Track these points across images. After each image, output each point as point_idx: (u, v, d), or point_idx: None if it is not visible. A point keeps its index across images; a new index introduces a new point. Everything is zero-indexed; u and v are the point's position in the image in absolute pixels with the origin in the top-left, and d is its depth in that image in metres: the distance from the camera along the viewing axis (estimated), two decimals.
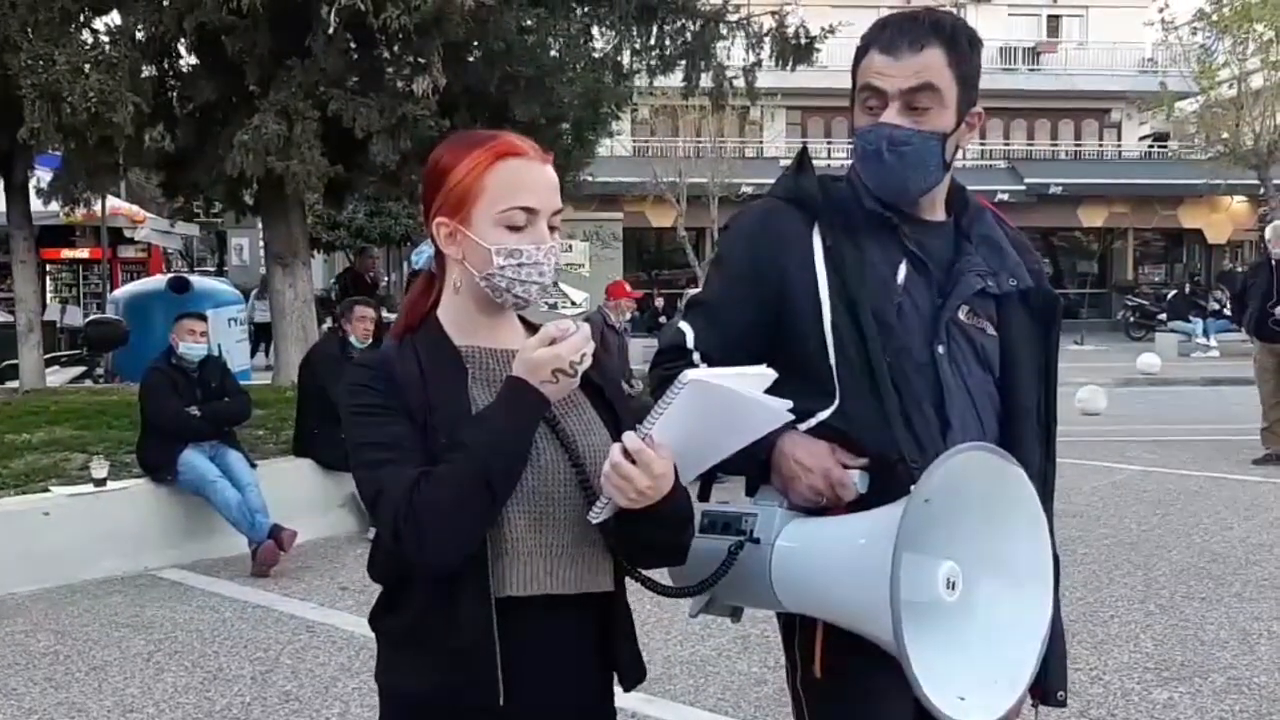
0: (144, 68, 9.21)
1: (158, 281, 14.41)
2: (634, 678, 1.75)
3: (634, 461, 1.54)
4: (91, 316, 15.42)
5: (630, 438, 1.55)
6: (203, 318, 6.85)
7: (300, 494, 7.18)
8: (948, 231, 2.00)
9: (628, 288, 10.85)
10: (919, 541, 1.52)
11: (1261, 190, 27.08)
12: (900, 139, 1.86)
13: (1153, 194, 32.66)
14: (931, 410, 1.86)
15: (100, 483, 6.41)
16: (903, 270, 1.92)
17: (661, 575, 1.82)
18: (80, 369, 14.06)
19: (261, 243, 31.80)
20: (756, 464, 1.84)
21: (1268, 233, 10.03)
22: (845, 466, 1.80)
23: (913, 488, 1.57)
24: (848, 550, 1.64)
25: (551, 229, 1.69)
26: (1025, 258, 2.06)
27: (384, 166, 9.42)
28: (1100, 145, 34.59)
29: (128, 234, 18.35)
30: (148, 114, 9.08)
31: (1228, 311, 24.26)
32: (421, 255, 1.95)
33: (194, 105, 9.85)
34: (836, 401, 1.82)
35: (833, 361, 1.84)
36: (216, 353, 7.38)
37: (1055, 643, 1.79)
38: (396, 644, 1.71)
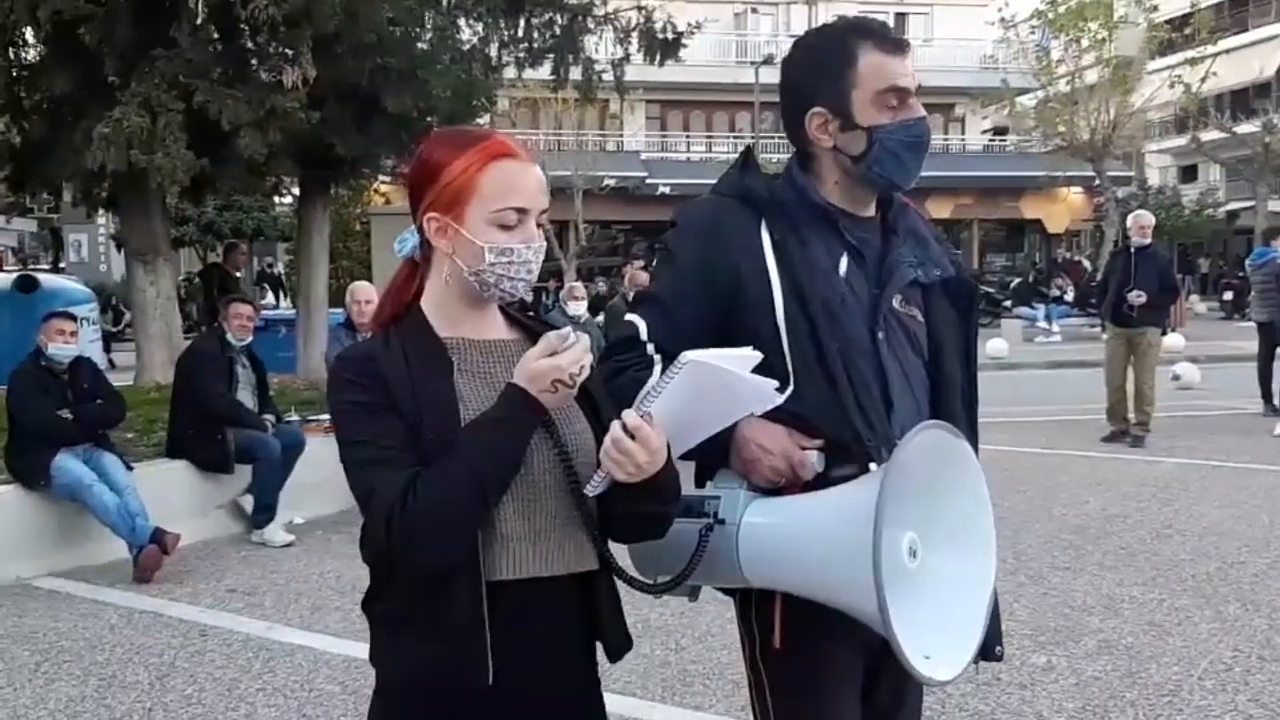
0: None
1: (2, 281, 13.73)
2: (620, 650, 1.83)
3: (633, 438, 1.62)
4: None
5: (630, 415, 1.63)
6: (72, 318, 6.59)
7: (177, 496, 6.99)
8: (876, 226, 2.13)
9: None
10: (887, 514, 1.64)
11: (1096, 181, 28.54)
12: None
13: (996, 186, 34.08)
14: (877, 392, 1.99)
15: None
16: (844, 263, 2.04)
17: (627, 564, 1.90)
18: None
19: (101, 238, 30.41)
20: (716, 450, 1.93)
21: (1129, 221, 10.58)
22: (803, 448, 1.91)
23: (884, 465, 1.69)
24: (829, 525, 1.75)
25: (539, 226, 1.76)
26: (945, 249, 2.21)
27: (251, 160, 9.21)
28: (945, 139, 35.88)
29: None
30: None
31: (1068, 298, 25.53)
32: (405, 244, 1.96)
33: (45, 97, 9.47)
34: (791, 388, 1.93)
35: (786, 351, 1.94)
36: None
37: (993, 602, 1.94)
38: (389, 629, 1.75)
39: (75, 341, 6.50)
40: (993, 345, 19.20)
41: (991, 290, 29.25)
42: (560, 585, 1.73)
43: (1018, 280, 29.89)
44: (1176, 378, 14.29)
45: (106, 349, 17.02)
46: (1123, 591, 5.59)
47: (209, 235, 29.72)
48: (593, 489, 1.68)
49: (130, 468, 6.54)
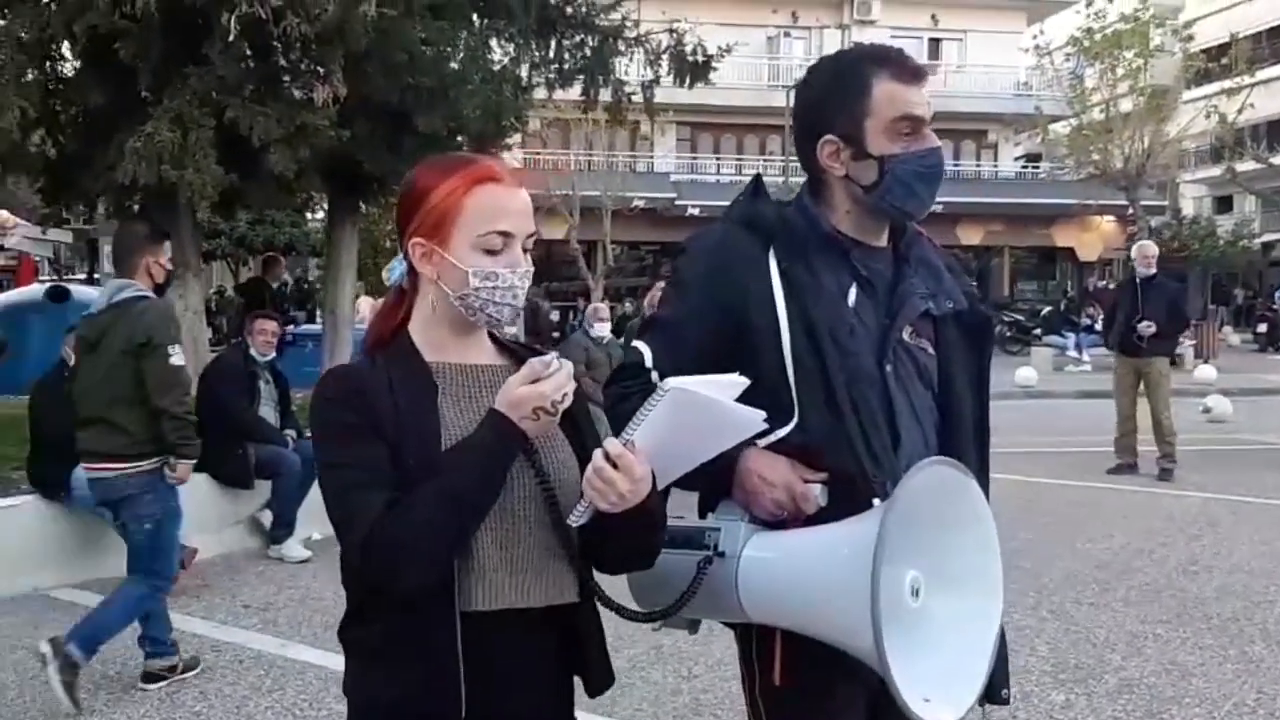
0: (29, 71, 8.92)
1: (34, 291, 13.86)
2: (600, 685, 1.79)
3: (615, 466, 1.59)
4: None
5: (612, 443, 1.60)
6: None
7: (196, 510, 6.95)
8: (888, 255, 2.10)
9: None
10: (887, 551, 1.60)
11: (1129, 210, 28.30)
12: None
13: (1027, 213, 33.81)
14: (884, 425, 1.94)
15: None
16: (853, 293, 2.00)
17: (625, 595, 1.86)
18: None
19: None
20: (718, 481, 1.90)
21: (1133, 251, 10.49)
22: (806, 481, 1.87)
23: (886, 501, 1.65)
24: (828, 561, 1.71)
25: (524, 250, 1.73)
26: (959, 280, 2.17)
27: (281, 176, 9.25)
28: (978, 165, 35.70)
29: None
30: (34, 119, 8.79)
31: (1099, 327, 25.29)
32: (394, 271, 1.98)
33: (80, 110, 9.56)
34: (796, 419, 1.89)
35: (792, 380, 1.91)
36: None
37: (999, 644, 1.89)
38: (363, 656, 1.73)
39: None
40: (1022, 373, 19.08)
41: (1022, 318, 29.05)
42: (538, 617, 1.70)
43: (1048, 308, 29.66)
44: (1207, 410, 14.12)
45: None
46: (1146, 629, 5.49)
47: (241, 249, 30.02)
48: (575, 519, 1.65)
49: None
